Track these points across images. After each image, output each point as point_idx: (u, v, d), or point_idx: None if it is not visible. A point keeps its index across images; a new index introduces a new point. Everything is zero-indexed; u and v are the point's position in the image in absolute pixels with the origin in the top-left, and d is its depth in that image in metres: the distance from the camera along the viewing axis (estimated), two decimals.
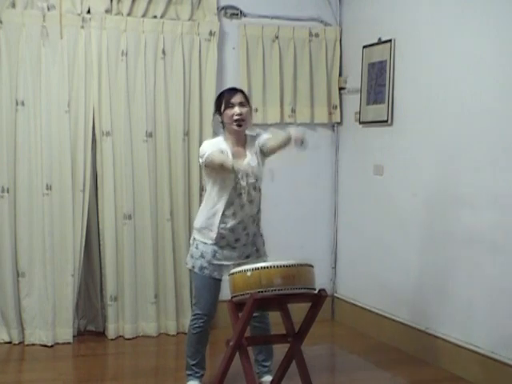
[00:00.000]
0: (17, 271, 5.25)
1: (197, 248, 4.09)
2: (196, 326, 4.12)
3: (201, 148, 4.09)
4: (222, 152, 3.99)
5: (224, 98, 4.05)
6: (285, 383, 4.02)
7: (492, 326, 4.38)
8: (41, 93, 5.23)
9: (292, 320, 3.91)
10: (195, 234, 4.13)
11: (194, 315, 4.14)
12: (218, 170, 3.93)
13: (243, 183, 4.00)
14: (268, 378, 4.21)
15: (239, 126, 4.01)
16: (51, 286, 5.27)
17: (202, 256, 4.06)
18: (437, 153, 4.87)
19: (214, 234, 4.03)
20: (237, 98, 4.02)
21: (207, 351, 4.27)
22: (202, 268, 4.06)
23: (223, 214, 4.01)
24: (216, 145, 4.03)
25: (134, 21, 5.42)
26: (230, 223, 4.03)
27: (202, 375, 4.23)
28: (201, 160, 4.04)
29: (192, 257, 4.11)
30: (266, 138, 4.14)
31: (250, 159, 4.05)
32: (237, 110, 3.99)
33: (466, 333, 4.58)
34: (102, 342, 5.40)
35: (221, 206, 4.01)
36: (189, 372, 4.21)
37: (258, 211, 4.14)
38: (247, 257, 4.12)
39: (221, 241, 4.05)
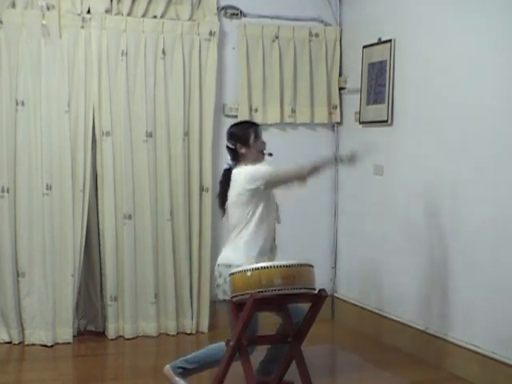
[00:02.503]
0: (17, 271, 5.25)
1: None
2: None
3: (253, 172, 3.95)
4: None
5: (254, 131, 4.08)
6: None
7: (492, 326, 4.38)
8: (41, 93, 5.23)
9: (292, 320, 3.91)
10: (256, 261, 3.83)
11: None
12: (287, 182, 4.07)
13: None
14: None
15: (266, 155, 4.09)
16: (51, 286, 5.26)
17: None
18: (437, 153, 4.86)
19: (266, 257, 3.98)
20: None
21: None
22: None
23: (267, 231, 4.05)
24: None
25: (133, 21, 5.42)
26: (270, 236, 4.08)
27: None
28: (259, 182, 3.93)
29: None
30: None
31: None
32: (264, 141, 4.10)
33: (466, 333, 4.57)
34: (102, 342, 5.40)
35: (266, 225, 4.04)
36: (187, 374, 4.10)
37: None
38: None
39: None
